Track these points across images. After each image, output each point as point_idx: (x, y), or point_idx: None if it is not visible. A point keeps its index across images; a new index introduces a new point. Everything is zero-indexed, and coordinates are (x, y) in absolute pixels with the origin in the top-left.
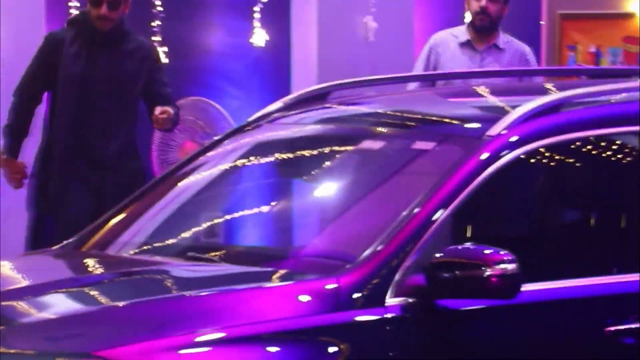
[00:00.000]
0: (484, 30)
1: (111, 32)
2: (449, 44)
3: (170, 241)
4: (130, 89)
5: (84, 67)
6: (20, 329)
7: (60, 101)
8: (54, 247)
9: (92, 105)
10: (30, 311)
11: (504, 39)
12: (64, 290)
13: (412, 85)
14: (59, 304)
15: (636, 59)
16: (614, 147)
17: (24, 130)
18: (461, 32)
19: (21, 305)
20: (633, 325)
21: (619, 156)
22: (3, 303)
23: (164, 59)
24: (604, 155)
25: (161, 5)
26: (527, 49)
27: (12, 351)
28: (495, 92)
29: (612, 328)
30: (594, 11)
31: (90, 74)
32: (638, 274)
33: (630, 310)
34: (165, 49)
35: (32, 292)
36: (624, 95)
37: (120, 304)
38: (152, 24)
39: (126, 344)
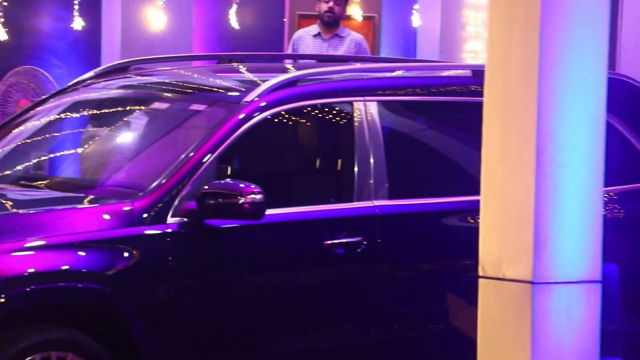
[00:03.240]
0: (329, 25)
1: None
2: (306, 37)
3: (8, 172)
4: None
5: None
6: None
7: None
8: None
9: None
10: None
11: (343, 30)
12: None
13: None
14: None
15: None
16: (334, 112)
17: None
18: (313, 28)
19: None
20: (343, 240)
21: (337, 118)
22: None
23: (5, 37)
24: (327, 117)
25: None
26: (360, 38)
27: None
28: (252, 69)
29: (329, 242)
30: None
31: None
32: (345, 204)
33: (341, 229)
34: (7, 29)
35: None
36: (342, 74)
37: None
38: None
39: None
